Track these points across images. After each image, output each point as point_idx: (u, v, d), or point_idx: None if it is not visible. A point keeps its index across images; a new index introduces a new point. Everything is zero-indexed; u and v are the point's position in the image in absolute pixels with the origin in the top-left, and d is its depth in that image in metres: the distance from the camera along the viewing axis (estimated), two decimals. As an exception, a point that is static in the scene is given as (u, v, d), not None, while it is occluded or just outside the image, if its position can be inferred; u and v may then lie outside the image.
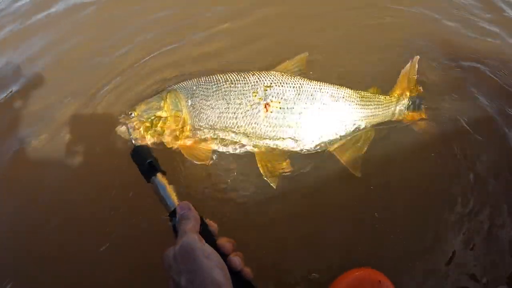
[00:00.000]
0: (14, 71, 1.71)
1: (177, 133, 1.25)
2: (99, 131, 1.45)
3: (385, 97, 1.29)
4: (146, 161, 0.83)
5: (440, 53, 1.52)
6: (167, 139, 1.27)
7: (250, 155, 1.24)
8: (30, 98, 1.59)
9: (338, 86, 1.24)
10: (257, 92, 1.20)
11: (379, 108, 1.27)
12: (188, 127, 1.24)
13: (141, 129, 1.29)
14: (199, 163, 1.19)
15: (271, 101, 1.19)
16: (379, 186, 1.18)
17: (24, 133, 1.48)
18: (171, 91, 1.31)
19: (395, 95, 1.29)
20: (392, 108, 1.28)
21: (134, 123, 1.30)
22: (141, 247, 1.11)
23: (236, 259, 0.64)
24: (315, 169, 1.22)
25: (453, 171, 1.20)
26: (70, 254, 1.15)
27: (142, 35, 1.73)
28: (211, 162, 1.21)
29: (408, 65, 1.29)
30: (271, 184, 1.15)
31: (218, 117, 1.21)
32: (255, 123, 1.19)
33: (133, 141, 1.25)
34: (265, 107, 1.19)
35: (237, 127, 1.20)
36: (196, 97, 1.25)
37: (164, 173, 0.81)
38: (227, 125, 1.20)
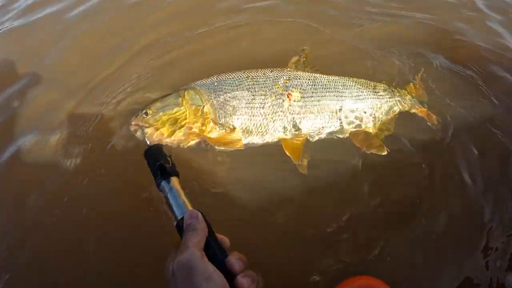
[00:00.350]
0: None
1: (199, 127, 1.25)
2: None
3: (397, 89, 1.43)
4: (157, 162, 0.77)
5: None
6: (186, 135, 1.26)
7: (248, 156, 1.27)
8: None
9: (349, 77, 1.40)
10: (278, 85, 1.30)
11: (390, 98, 1.40)
12: (211, 121, 1.26)
13: (158, 127, 1.26)
14: (234, 148, 1.21)
15: (292, 91, 1.29)
16: (382, 193, 1.19)
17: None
18: (189, 89, 1.32)
19: (406, 91, 1.43)
20: (400, 100, 1.40)
21: (150, 122, 1.27)
22: (139, 247, 1.08)
23: (245, 281, 0.57)
24: (319, 176, 1.23)
25: (461, 178, 1.21)
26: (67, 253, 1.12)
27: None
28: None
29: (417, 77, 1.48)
30: (301, 171, 1.20)
31: (244, 107, 1.26)
32: (281, 111, 1.27)
33: (148, 141, 1.24)
34: (288, 97, 1.28)
35: (264, 116, 1.26)
36: (219, 91, 1.29)
37: (177, 175, 0.76)
38: (254, 115, 1.26)
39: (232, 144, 1.22)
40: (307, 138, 1.28)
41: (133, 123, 1.30)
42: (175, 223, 0.68)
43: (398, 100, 1.40)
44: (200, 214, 0.66)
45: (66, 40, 1.77)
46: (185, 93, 1.30)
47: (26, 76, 1.61)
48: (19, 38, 1.88)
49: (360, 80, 1.41)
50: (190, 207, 0.69)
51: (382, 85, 1.42)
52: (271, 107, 1.27)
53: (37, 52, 1.76)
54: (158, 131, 1.26)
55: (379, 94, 1.40)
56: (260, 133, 1.27)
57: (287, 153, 1.22)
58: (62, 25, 1.85)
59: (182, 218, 0.66)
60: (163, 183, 0.73)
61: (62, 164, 1.30)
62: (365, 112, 1.35)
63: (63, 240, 1.14)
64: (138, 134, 1.27)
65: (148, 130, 1.26)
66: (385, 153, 1.27)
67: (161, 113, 1.28)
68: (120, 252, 1.10)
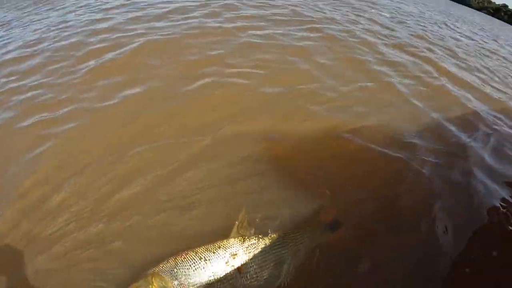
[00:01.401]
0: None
1: None
2: None
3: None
4: None
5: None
6: None
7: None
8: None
9: (280, 239, 1.79)
10: (229, 262, 1.65)
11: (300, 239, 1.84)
12: None
13: None
14: None
15: (241, 265, 1.65)
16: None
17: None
18: (156, 276, 1.58)
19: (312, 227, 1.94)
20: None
21: None
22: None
23: None
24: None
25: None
26: None
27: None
28: None
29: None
30: None
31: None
32: (234, 283, 1.61)
33: None
34: (238, 270, 1.64)
35: None
36: (180, 276, 1.58)
37: None
38: None
39: None
40: None
41: None
42: None
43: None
44: None
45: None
46: (153, 280, 1.57)
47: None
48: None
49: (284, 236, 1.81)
50: None
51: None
52: (227, 282, 1.60)
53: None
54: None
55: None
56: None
57: None
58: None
59: None
60: None
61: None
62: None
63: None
64: None
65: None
66: None
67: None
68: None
